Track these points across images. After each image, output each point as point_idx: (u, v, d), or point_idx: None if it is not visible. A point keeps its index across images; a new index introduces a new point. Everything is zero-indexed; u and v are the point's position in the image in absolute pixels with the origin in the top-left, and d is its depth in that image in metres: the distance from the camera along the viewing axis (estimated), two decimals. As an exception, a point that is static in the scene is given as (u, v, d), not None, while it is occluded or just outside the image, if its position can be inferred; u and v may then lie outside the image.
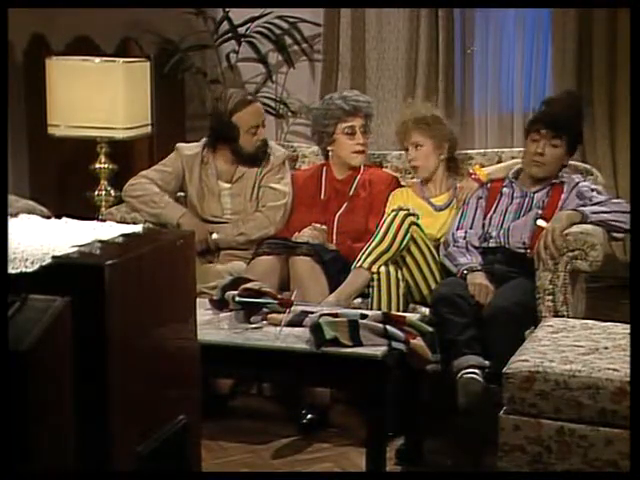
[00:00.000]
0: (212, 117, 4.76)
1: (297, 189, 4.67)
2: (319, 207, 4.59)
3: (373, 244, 4.12)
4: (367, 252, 4.12)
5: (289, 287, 4.21)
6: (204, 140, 4.72)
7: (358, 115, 4.60)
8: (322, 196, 4.63)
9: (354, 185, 4.60)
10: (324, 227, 4.45)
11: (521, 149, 4.52)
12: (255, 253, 4.39)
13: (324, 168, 4.69)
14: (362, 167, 4.65)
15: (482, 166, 4.52)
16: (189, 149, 4.70)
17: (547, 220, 4.15)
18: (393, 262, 4.13)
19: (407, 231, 4.13)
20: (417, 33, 6.02)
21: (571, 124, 4.32)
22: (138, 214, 4.53)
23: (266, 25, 6.08)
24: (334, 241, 4.47)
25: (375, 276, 4.09)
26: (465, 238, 4.28)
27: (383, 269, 4.10)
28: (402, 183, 4.66)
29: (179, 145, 4.74)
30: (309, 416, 4.06)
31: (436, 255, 4.27)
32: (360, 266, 4.12)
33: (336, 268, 4.25)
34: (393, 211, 4.21)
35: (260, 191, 4.61)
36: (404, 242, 4.13)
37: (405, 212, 4.18)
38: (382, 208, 4.49)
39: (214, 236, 4.52)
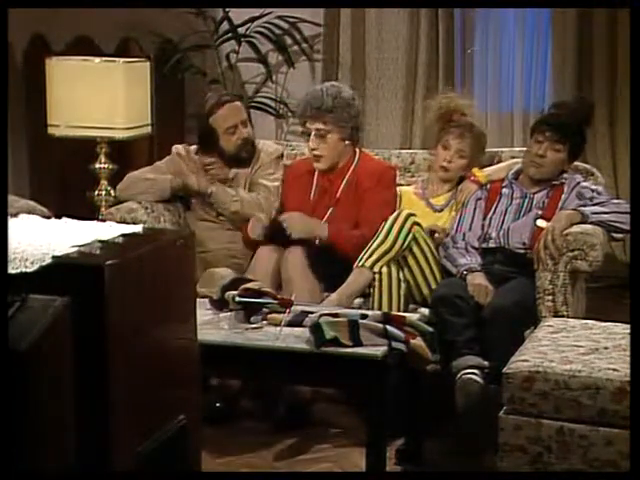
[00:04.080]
0: (196, 121, 4.79)
1: (288, 187, 4.57)
2: (308, 209, 4.45)
3: (375, 244, 4.11)
4: (369, 252, 4.11)
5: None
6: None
7: (310, 117, 4.41)
8: (312, 196, 4.50)
9: (342, 185, 4.45)
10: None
11: (521, 149, 4.52)
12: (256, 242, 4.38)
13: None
14: (357, 154, 4.49)
15: (481, 167, 4.52)
16: (186, 150, 4.69)
17: (547, 220, 4.15)
18: (395, 262, 4.13)
19: (409, 231, 4.13)
20: (417, 33, 6.03)
21: (576, 131, 4.30)
22: (137, 214, 4.51)
23: (266, 25, 6.09)
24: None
25: (377, 276, 4.09)
26: (464, 239, 4.28)
27: (385, 269, 4.09)
28: (401, 182, 4.64)
29: (175, 147, 4.74)
30: (284, 411, 4.09)
31: (437, 256, 4.27)
32: (362, 266, 4.11)
33: (331, 268, 4.21)
34: (395, 211, 4.21)
35: (252, 188, 4.58)
36: (406, 242, 4.12)
37: (407, 212, 4.18)
38: (372, 205, 4.36)
39: (209, 190, 4.50)
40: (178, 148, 4.72)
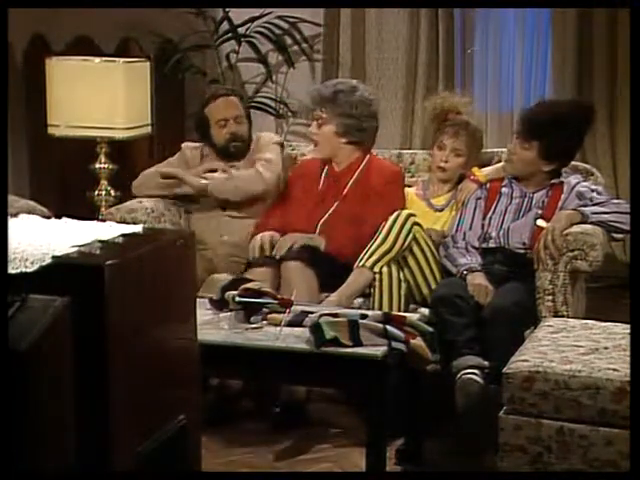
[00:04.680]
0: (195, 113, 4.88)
1: (295, 178, 4.59)
2: (314, 201, 4.46)
3: (376, 244, 4.11)
4: (370, 252, 4.11)
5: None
6: None
7: (315, 103, 4.51)
8: (320, 188, 4.49)
9: (351, 181, 4.45)
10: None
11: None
12: (249, 264, 4.37)
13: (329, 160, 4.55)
14: (367, 156, 4.47)
15: (481, 167, 4.51)
16: (193, 146, 4.76)
17: (547, 220, 4.15)
18: (395, 262, 4.13)
19: (409, 231, 4.13)
20: (417, 33, 6.03)
21: (546, 132, 4.19)
22: (137, 214, 4.50)
23: (266, 25, 6.09)
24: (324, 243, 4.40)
25: (377, 276, 4.09)
26: (465, 239, 4.28)
27: (385, 269, 4.09)
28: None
29: (184, 144, 4.78)
30: (278, 409, 4.08)
31: (437, 256, 4.27)
32: (362, 266, 4.11)
33: (329, 270, 4.20)
34: (396, 211, 4.21)
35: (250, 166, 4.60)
36: (406, 242, 4.12)
37: (407, 212, 4.18)
38: (376, 207, 4.33)
39: (205, 181, 4.53)
40: (187, 144, 4.77)
